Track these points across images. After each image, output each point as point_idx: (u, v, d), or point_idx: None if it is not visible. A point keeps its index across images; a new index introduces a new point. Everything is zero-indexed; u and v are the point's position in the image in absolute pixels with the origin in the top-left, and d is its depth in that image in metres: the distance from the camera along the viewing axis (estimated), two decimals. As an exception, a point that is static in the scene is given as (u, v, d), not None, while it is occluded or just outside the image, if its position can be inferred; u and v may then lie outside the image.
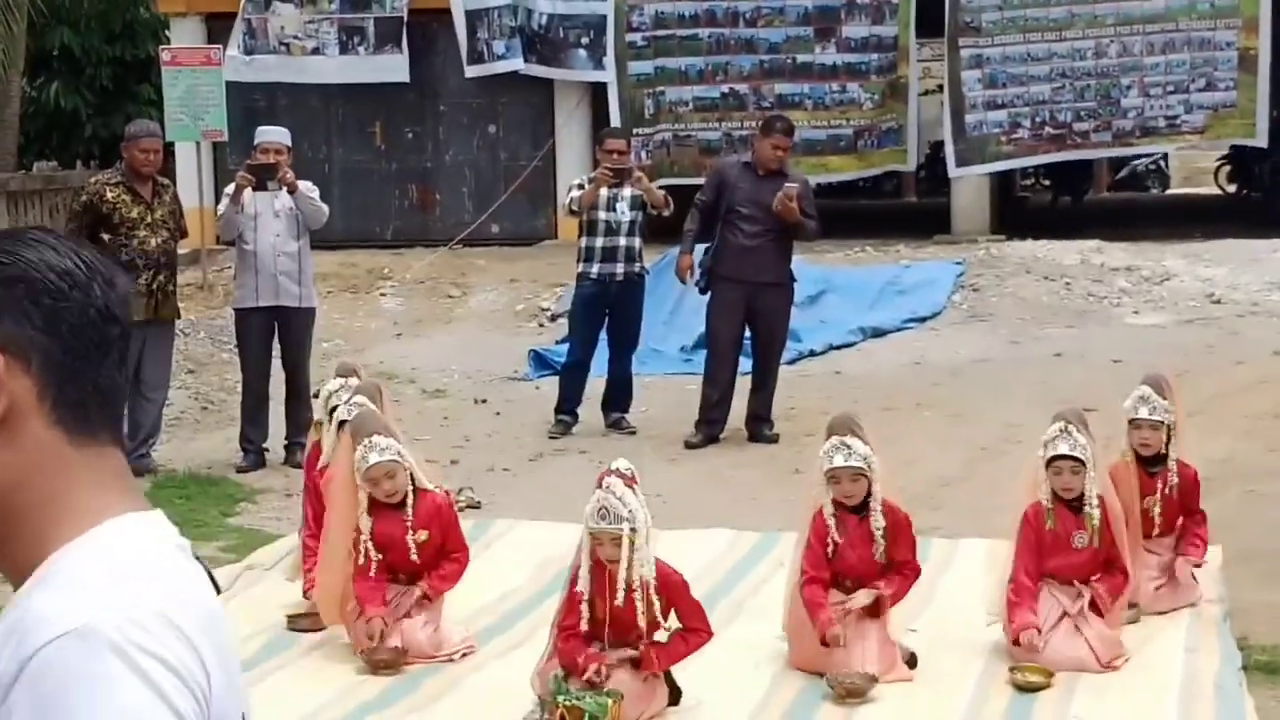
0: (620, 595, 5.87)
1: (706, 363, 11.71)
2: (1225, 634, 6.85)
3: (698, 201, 11.57)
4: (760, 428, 11.46)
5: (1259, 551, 8.14)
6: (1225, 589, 7.44)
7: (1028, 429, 11.24)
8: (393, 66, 20.58)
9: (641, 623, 5.96)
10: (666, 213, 11.60)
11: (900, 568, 6.58)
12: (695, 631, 6.09)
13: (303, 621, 7.22)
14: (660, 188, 11.30)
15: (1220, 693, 6.19)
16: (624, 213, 11.43)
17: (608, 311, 11.69)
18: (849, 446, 6.52)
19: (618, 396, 11.89)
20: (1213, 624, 7.00)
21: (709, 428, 11.40)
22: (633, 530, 5.85)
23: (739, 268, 11.34)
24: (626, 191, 11.41)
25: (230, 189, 10.83)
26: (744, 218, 11.29)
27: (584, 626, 5.97)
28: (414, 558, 6.82)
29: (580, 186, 11.59)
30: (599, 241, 11.46)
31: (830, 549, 6.51)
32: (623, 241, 11.46)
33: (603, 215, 11.42)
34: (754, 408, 11.54)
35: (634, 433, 11.64)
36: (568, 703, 5.75)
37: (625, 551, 5.85)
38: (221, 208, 10.83)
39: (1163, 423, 7.30)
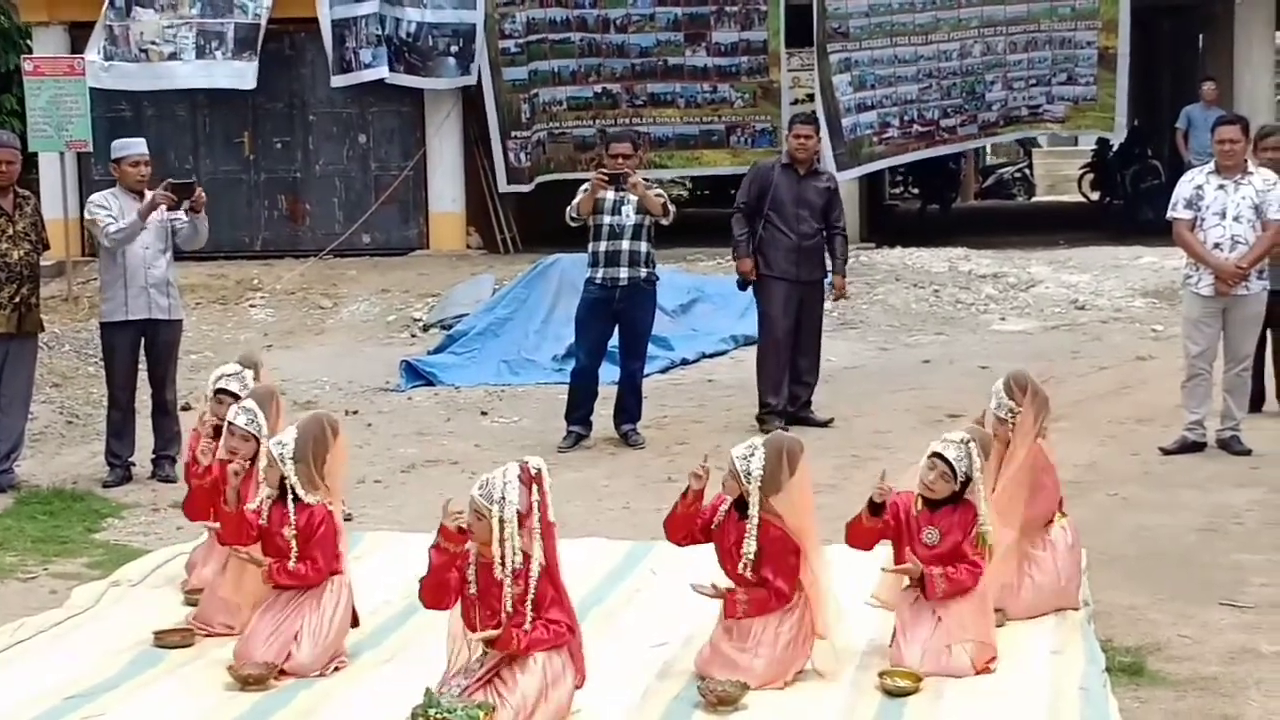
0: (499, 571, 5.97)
1: (763, 360, 11.98)
2: (1089, 636, 6.95)
3: (741, 205, 11.88)
4: (810, 412, 12.00)
5: (1122, 555, 8.28)
6: (1089, 592, 7.55)
7: (897, 435, 11.38)
8: (242, 74, 20.38)
9: (507, 605, 5.99)
10: (666, 220, 11.24)
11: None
12: (555, 622, 6.08)
13: (170, 638, 7.15)
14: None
15: (1085, 695, 6.27)
16: (629, 216, 11.16)
17: (617, 318, 11.44)
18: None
19: (627, 406, 11.58)
20: (1077, 626, 7.09)
21: (778, 419, 11.55)
22: (501, 518, 5.94)
23: (793, 267, 11.82)
24: (634, 195, 11.16)
25: (99, 197, 10.61)
26: (795, 218, 11.76)
27: (471, 589, 6.06)
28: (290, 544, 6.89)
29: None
30: (603, 246, 11.20)
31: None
32: (626, 245, 11.16)
33: (607, 219, 11.18)
34: (803, 395, 12.05)
35: (643, 446, 11.33)
36: (438, 715, 5.72)
37: (496, 533, 5.95)
38: (102, 217, 10.44)
39: (1005, 420, 7.38)
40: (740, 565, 6.52)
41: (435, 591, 6.15)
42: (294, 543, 6.87)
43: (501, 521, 5.97)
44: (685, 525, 6.69)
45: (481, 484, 6.04)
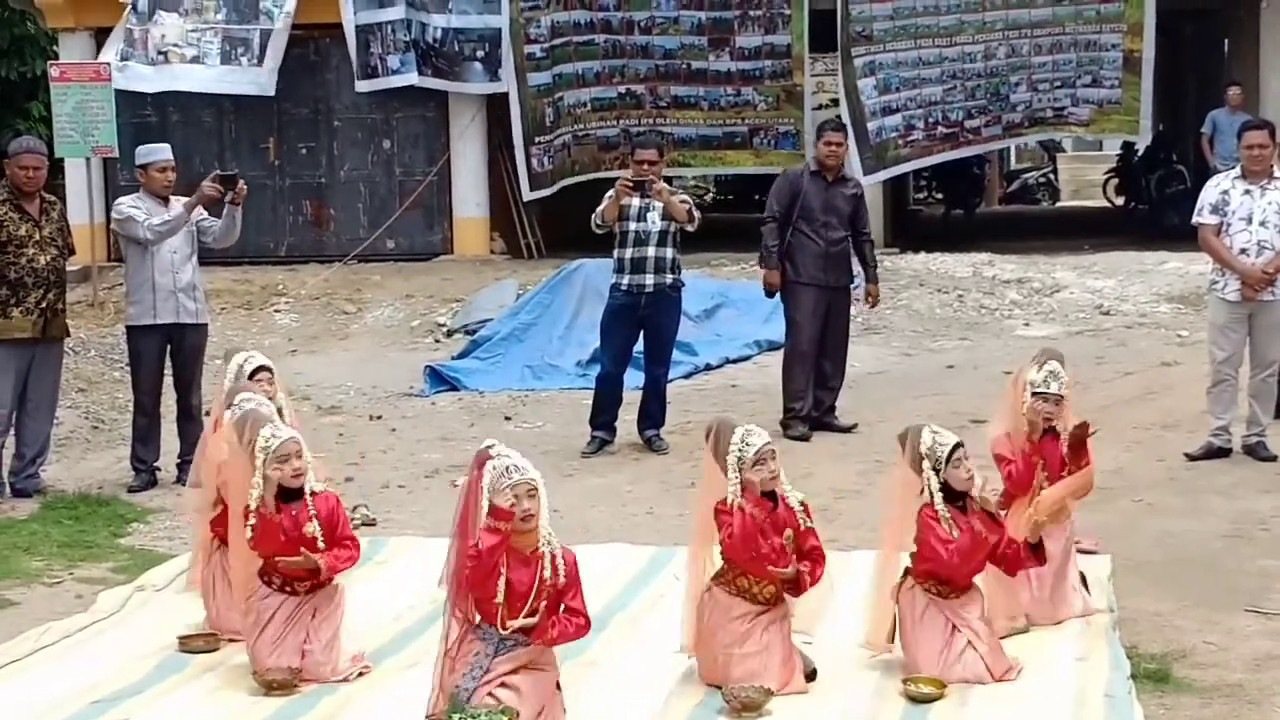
0: (544, 562, 5.87)
1: (789, 365, 12.00)
2: (1114, 643, 6.94)
3: (773, 213, 11.92)
4: (834, 417, 11.99)
5: (1147, 561, 8.26)
6: (1114, 598, 7.53)
7: (921, 441, 11.35)
8: (259, 79, 20.42)
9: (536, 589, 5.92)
10: (691, 227, 11.29)
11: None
12: (576, 613, 6.01)
13: (195, 643, 7.15)
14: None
15: (1110, 702, 6.26)
16: (654, 223, 11.18)
17: (642, 324, 11.45)
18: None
19: (651, 412, 11.59)
20: (1102, 633, 7.08)
21: (802, 424, 11.66)
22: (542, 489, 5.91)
23: (821, 273, 11.87)
24: (659, 201, 11.18)
25: (127, 200, 10.65)
26: (824, 224, 11.82)
27: (499, 597, 5.88)
28: (319, 545, 6.77)
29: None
30: (629, 252, 11.22)
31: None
32: (652, 252, 11.19)
33: (633, 226, 11.19)
34: (828, 401, 12.04)
35: (666, 451, 11.34)
36: (462, 720, 5.72)
37: (542, 504, 5.86)
38: (138, 215, 10.48)
39: (1063, 398, 7.42)
40: (801, 521, 6.54)
41: (486, 579, 5.85)
42: (319, 533, 6.81)
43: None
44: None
45: (513, 468, 5.85)
